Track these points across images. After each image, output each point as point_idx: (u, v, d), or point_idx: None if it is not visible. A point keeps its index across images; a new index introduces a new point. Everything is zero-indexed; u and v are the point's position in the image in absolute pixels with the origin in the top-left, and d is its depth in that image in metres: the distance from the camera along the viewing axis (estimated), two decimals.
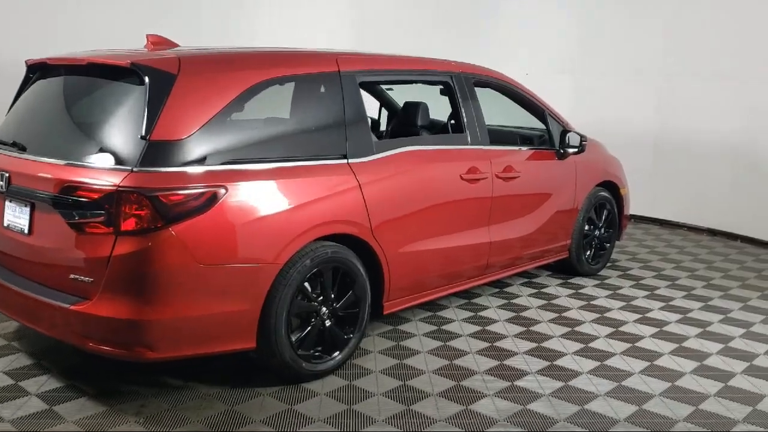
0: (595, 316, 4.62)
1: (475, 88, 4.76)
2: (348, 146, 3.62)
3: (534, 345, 4.07)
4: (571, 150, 5.01)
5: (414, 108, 4.50)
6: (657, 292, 5.20)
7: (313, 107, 3.63)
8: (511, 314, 4.59)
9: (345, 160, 3.60)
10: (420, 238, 4.00)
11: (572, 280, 5.43)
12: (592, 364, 3.83)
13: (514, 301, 4.87)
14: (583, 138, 4.99)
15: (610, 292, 5.17)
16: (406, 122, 4.52)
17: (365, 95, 4.04)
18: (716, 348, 4.12)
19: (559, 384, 3.57)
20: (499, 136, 5.29)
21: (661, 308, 4.82)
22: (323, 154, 3.55)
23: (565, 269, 5.53)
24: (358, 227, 3.61)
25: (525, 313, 4.61)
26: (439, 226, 4.13)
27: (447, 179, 4.15)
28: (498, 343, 4.07)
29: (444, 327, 4.31)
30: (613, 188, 5.69)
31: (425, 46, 6.02)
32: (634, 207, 8.04)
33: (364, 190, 3.62)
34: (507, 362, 3.81)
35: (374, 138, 3.84)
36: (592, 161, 5.44)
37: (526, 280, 5.39)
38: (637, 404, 3.38)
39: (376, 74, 4.07)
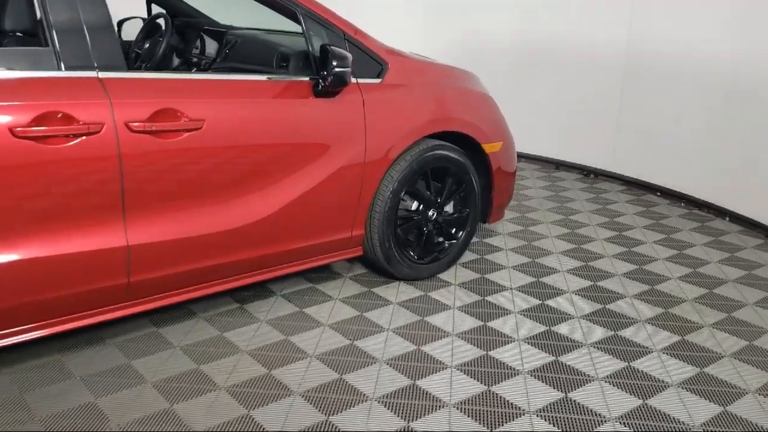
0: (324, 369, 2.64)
1: None
2: None
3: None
4: (329, 79, 2.87)
5: None
6: (491, 324, 3.10)
7: None
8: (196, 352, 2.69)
9: None
10: None
11: (377, 289, 3.41)
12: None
13: (224, 336, 2.95)
14: (339, 61, 2.81)
15: (416, 318, 3.11)
16: None
17: None
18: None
19: None
20: (238, 52, 3.30)
21: (461, 367, 2.76)
22: None
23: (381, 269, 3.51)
24: None
25: (216, 354, 2.69)
26: None
27: None
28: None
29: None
30: (469, 143, 3.53)
31: None
32: (595, 159, 5.73)
33: None
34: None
35: None
36: (412, 99, 3.28)
37: (308, 285, 3.43)
38: None
39: None
